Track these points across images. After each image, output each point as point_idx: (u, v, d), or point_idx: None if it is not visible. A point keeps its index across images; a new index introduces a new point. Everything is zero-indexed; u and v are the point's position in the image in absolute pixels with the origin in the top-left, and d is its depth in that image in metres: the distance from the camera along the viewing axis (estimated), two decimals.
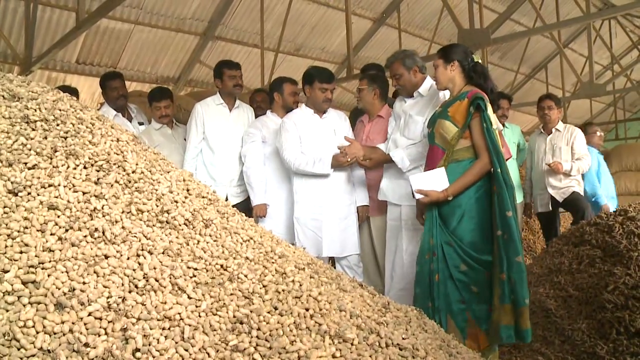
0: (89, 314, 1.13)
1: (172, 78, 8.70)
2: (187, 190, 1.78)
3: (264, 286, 1.46)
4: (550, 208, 4.50)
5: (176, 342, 1.17)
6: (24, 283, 1.15)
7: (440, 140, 2.66)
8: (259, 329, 1.29)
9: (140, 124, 4.12)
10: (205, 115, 3.71)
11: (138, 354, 1.11)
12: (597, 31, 10.08)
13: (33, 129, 1.64)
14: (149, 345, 1.13)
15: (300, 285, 1.54)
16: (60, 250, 1.26)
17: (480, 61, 2.76)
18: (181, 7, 7.65)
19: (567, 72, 10.72)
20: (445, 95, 2.97)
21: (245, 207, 3.55)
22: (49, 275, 1.18)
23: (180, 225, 1.55)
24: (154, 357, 1.12)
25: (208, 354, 1.18)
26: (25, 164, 1.48)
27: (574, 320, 2.69)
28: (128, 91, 4.57)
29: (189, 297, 1.30)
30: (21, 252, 1.22)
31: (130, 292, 1.24)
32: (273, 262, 1.61)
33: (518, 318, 2.43)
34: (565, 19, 8.36)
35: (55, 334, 1.07)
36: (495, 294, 2.48)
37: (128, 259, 1.33)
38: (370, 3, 8.96)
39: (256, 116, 3.91)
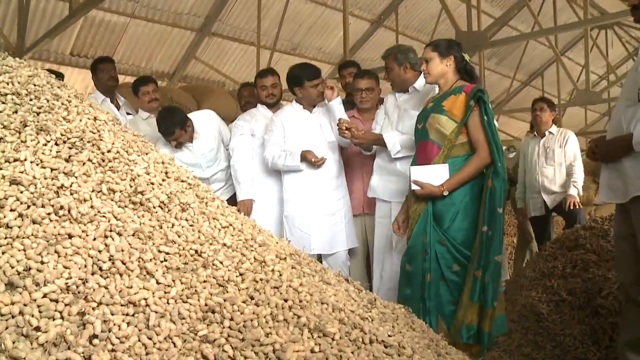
0: (44, 296, 1.04)
1: (167, 73, 8.59)
2: (166, 173, 1.69)
3: (240, 274, 1.37)
4: (544, 212, 4.44)
5: (139, 330, 1.08)
6: None
7: (437, 136, 2.56)
8: (232, 319, 1.20)
9: (128, 114, 4.04)
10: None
11: (95, 341, 1.01)
12: (594, 40, 10.09)
13: (2, 102, 1.55)
14: (109, 331, 1.04)
15: (280, 275, 1.45)
16: (19, 227, 1.16)
17: (469, 60, 2.70)
18: (178, 1, 7.57)
19: (563, 80, 10.73)
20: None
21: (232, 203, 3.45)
22: (3, 253, 1.09)
23: (154, 207, 1.45)
24: (113, 344, 1.02)
25: (174, 343, 1.09)
26: None
27: (567, 325, 2.61)
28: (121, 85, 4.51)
29: (158, 282, 1.21)
30: None
31: (93, 274, 1.15)
32: (252, 250, 1.52)
33: (482, 319, 2.38)
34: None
35: (2, 315, 0.97)
36: (465, 291, 2.43)
37: (94, 239, 1.23)
38: (368, 4, 8.91)
39: (244, 111, 3.82)
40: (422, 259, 2.50)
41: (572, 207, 4.17)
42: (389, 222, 3.02)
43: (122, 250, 1.23)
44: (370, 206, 3.35)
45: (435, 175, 2.51)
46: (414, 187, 2.54)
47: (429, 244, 2.48)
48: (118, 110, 3.98)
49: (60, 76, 3.62)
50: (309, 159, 3.16)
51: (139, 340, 1.06)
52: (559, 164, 4.32)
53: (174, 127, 3.28)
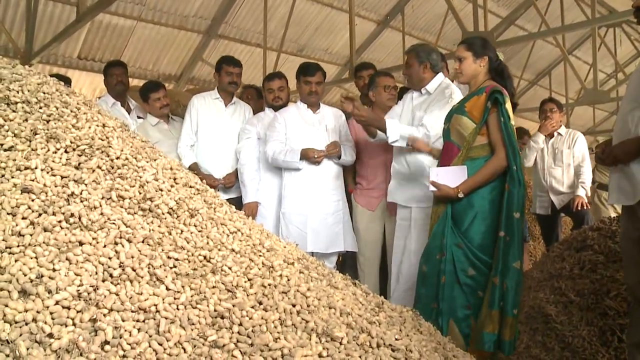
0: (56, 303, 1.05)
1: (174, 76, 8.64)
2: (174, 179, 1.70)
3: (248, 279, 1.38)
4: (550, 211, 4.43)
5: (150, 336, 1.09)
6: None
7: (457, 137, 2.52)
8: (240, 325, 1.21)
9: (139, 117, 4.06)
10: (201, 108, 3.66)
11: (107, 347, 1.03)
12: (602, 38, 10.01)
13: (13, 111, 1.57)
14: (120, 337, 1.05)
15: (288, 280, 1.46)
16: (31, 235, 1.18)
17: (503, 59, 2.64)
18: (184, 4, 7.60)
19: (571, 79, 10.66)
20: (452, 92, 2.88)
21: (238, 204, 3.48)
22: (16, 261, 1.10)
23: (163, 213, 1.47)
24: (124, 350, 1.04)
25: (184, 349, 1.10)
26: (1, 145, 1.41)
27: (575, 326, 2.60)
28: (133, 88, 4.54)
29: (168, 289, 1.22)
30: None
31: (103, 281, 1.16)
32: (260, 255, 1.53)
33: (502, 328, 2.32)
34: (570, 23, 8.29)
35: (16, 322, 0.99)
36: (485, 298, 2.37)
37: (104, 246, 1.25)
38: (375, 5, 8.91)
39: None
40: (439, 260, 2.46)
41: (579, 208, 4.16)
42: (408, 224, 3.01)
43: (132, 257, 1.25)
44: (391, 208, 3.31)
45: (452, 176, 2.45)
46: (432, 188, 2.50)
47: (445, 245, 2.44)
48: (129, 113, 4.01)
49: (67, 81, 3.67)
50: (310, 156, 3.19)
51: (150, 346, 1.07)
52: (567, 164, 4.32)
53: (241, 64, 3.77)
